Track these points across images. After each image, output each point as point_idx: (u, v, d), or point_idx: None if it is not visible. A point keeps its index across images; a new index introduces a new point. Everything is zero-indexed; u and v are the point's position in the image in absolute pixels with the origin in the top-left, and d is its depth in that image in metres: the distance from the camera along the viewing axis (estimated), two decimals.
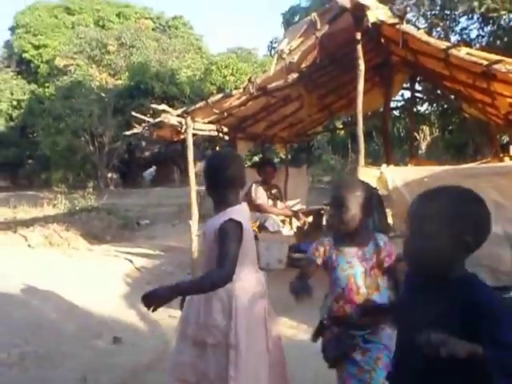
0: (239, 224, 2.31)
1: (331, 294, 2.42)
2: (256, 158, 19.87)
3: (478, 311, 1.43)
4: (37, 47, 26.76)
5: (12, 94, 24.86)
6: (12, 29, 28.15)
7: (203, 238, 2.47)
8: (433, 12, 12.44)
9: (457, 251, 1.55)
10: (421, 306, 1.60)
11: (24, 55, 26.83)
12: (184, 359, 2.40)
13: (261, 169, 7.45)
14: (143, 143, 26.83)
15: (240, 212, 2.41)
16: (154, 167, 27.52)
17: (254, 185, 7.12)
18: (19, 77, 26.80)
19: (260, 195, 7.13)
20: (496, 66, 4.91)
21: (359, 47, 5.56)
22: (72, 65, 24.37)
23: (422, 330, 1.42)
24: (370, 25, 5.41)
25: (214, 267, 2.25)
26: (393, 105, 10.73)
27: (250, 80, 6.20)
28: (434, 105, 13.24)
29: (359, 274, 2.34)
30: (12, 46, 27.81)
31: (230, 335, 2.29)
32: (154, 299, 2.09)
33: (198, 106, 6.48)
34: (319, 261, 2.43)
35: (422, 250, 1.56)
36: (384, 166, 5.68)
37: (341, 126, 15.52)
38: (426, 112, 13.99)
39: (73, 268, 6.96)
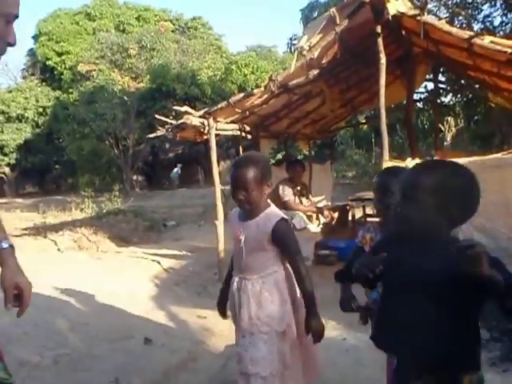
0: (288, 222, 2.52)
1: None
2: (279, 156, 19.86)
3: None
4: (60, 54, 27.16)
5: (37, 101, 25.29)
6: (35, 37, 28.61)
7: (244, 238, 2.47)
8: (454, 1, 12.24)
9: (443, 221, 1.63)
10: (414, 258, 1.67)
11: (47, 62, 27.26)
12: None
13: (290, 167, 7.48)
14: (167, 145, 27.06)
15: (279, 211, 2.55)
16: (179, 165, 27.64)
17: (280, 184, 7.18)
18: (44, 84, 27.25)
19: (287, 193, 7.19)
20: None
21: (380, 41, 5.51)
22: (94, 70, 24.67)
23: (420, 277, 1.60)
24: (390, 17, 5.36)
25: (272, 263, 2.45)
26: (416, 97, 10.59)
27: (270, 78, 6.20)
28: (459, 95, 13.02)
29: None
30: (35, 53, 28.27)
31: (291, 323, 2.45)
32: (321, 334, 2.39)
33: (219, 106, 6.49)
34: (367, 248, 2.52)
35: (409, 214, 1.65)
36: (409, 159, 5.61)
37: (364, 121, 15.38)
38: (451, 103, 13.76)
39: (102, 271, 7.06)
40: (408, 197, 1.65)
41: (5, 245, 1.80)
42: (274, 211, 2.51)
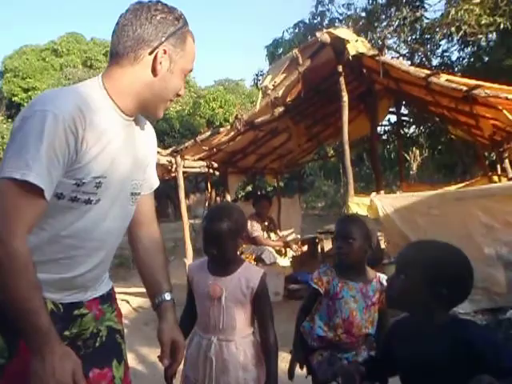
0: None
1: (328, 321, 2.48)
2: (249, 188, 19.98)
3: (473, 350, 1.52)
4: (26, 90, 26.95)
5: (3, 137, 24.94)
6: (0, 73, 28.42)
7: (225, 295, 2.29)
8: (413, 37, 12.71)
9: (432, 300, 1.64)
10: (416, 343, 1.69)
11: (13, 99, 27.00)
12: None
13: (257, 203, 7.54)
14: None
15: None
16: None
17: (249, 219, 7.21)
18: (9, 121, 26.95)
19: (256, 228, 7.23)
20: (475, 92, 5.03)
21: (341, 79, 5.70)
22: None
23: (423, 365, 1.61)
24: (350, 57, 5.55)
25: (244, 322, 2.30)
26: (380, 129, 10.91)
27: (236, 117, 6.32)
28: (421, 127, 13.41)
29: (361, 309, 2.45)
30: (1, 90, 28.02)
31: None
32: None
33: (187, 144, 6.57)
34: (322, 291, 2.49)
35: (400, 290, 1.69)
36: (373, 194, 5.75)
37: (332, 154, 15.65)
38: (414, 134, 14.15)
39: None
40: (398, 269, 1.72)
41: (167, 297, 1.82)
42: (252, 266, 2.44)
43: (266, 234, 7.48)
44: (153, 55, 1.57)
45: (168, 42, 1.57)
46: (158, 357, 1.83)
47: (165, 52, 1.57)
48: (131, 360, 4.98)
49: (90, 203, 1.54)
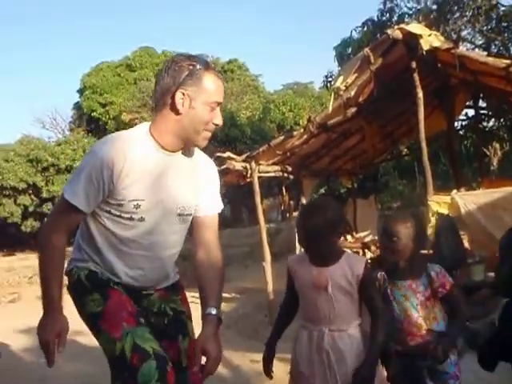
0: None
1: (391, 327, 2.39)
2: (322, 190, 19.86)
3: None
4: (104, 105, 28.16)
5: (85, 151, 26.17)
6: (80, 91, 29.87)
7: (332, 285, 2.23)
8: (489, 26, 12.18)
9: None
10: None
11: (93, 114, 28.28)
12: None
13: None
14: None
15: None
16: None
17: None
18: (90, 135, 28.26)
19: None
20: None
21: (416, 76, 5.57)
22: (137, 118, 25.45)
23: None
24: (424, 52, 5.42)
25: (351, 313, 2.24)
26: (457, 124, 10.53)
27: (309, 119, 6.32)
28: (501, 119, 12.81)
29: (414, 305, 2.37)
30: (81, 106, 29.41)
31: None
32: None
33: (261, 149, 6.64)
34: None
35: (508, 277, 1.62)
36: (454, 191, 5.58)
37: (406, 152, 15.27)
38: (494, 127, 13.54)
39: None
40: (503, 257, 1.69)
41: (213, 311, 2.03)
42: (354, 255, 2.42)
43: (341, 237, 7.41)
44: (172, 98, 1.93)
45: (184, 84, 1.92)
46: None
47: (183, 94, 1.92)
48: None
49: (133, 220, 2.00)
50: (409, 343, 2.36)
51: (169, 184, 2.04)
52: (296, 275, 2.34)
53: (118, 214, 1.99)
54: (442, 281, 2.38)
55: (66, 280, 2.13)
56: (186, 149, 2.08)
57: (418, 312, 2.36)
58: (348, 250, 2.51)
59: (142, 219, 2.01)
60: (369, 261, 6.72)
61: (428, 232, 5.56)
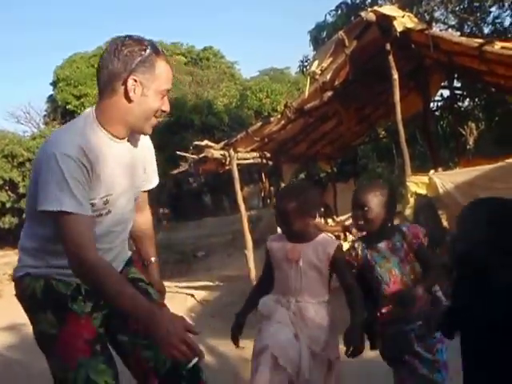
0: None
1: (377, 293, 2.45)
2: (302, 175, 19.91)
3: None
4: (78, 97, 27.76)
5: None
6: (53, 83, 29.39)
7: (302, 259, 2.38)
8: (461, 6, 12.24)
9: None
10: None
11: (67, 107, 27.86)
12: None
13: None
14: (190, 178, 27.28)
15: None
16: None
17: None
18: None
19: None
20: None
21: (390, 57, 5.59)
22: None
23: None
24: (398, 34, 5.43)
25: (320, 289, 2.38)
26: (433, 105, 10.60)
27: (286, 105, 6.31)
28: (476, 99, 12.94)
29: (396, 264, 2.40)
30: (55, 99, 28.97)
31: (334, 350, 2.38)
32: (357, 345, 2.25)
33: (238, 136, 6.62)
34: (356, 264, 2.48)
35: None
36: (432, 171, 5.63)
37: (383, 135, 15.35)
38: (469, 107, 13.67)
39: None
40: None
41: (153, 260, 2.38)
42: (327, 237, 2.51)
43: (322, 221, 7.44)
44: (124, 85, 1.84)
45: (136, 71, 1.84)
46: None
47: (135, 80, 1.84)
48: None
49: (101, 216, 1.94)
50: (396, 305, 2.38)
51: (128, 172, 2.03)
52: (272, 250, 2.49)
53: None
54: (414, 231, 2.44)
55: (13, 286, 2.06)
56: (132, 136, 2.03)
57: (402, 269, 2.39)
58: (328, 234, 2.57)
59: (108, 212, 1.97)
60: (350, 243, 6.67)
61: (407, 212, 5.63)
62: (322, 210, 7.55)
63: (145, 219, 2.37)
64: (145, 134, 2.05)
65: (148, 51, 1.86)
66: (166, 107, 1.96)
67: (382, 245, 2.43)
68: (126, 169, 2.02)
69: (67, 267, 1.85)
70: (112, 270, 1.83)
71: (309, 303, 2.37)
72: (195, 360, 1.70)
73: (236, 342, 2.51)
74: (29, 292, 1.94)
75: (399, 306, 2.32)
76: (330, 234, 6.98)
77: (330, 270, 2.37)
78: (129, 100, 1.86)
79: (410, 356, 2.38)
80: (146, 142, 2.17)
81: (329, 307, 2.41)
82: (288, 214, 2.35)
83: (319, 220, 7.27)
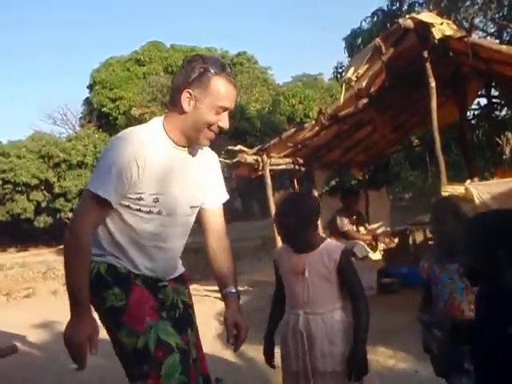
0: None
1: (435, 306, 2.48)
2: (333, 182, 19.79)
3: None
4: (114, 100, 28.20)
5: (95, 147, 26.25)
6: (90, 86, 29.94)
7: (308, 269, 2.40)
8: (501, 14, 12.02)
9: None
10: None
11: (103, 109, 28.34)
12: None
13: (344, 198, 7.49)
14: None
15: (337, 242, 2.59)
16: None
17: (337, 215, 7.18)
18: (100, 130, 28.36)
19: (345, 222, 7.20)
20: None
21: (428, 65, 5.52)
22: (147, 112, 25.49)
23: None
24: (436, 41, 5.36)
25: (330, 297, 2.38)
26: (470, 113, 10.41)
27: (320, 111, 6.29)
28: None
29: (460, 289, 2.39)
30: (91, 102, 29.49)
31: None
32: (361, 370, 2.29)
33: (272, 142, 6.63)
34: (424, 276, 2.54)
35: None
36: (468, 181, 5.53)
37: (417, 143, 15.15)
38: (507, 116, 13.39)
39: None
40: None
41: (232, 290, 2.29)
42: (333, 242, 2.51)
43: (355, 228, 7.40)
44: (179, 97, 2.01)
45: (192, 85, 2.00)
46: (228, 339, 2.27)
47: (190, 94, 2.00)
48: (231, 356, 5.11)
49: (151, 213, 2.08)
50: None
51: (183, 178, 2.14)
52: (280, 263, 2.53)
53: (138, 207, 2.07)
54: None
55: None
56: (195, 147, 2.17)
57: (464, 296, 2.38)
58: (328, 239, 2.56)
59: (159, 212, 2.10)
60: (382, 252, 6.57)
61: None
62: (354, 217, 7.50)
63: (221, 246, 2.35)
64: (200, 146, 2.17)
65: (208, 68, 2.00)
66: (224, 124, 2.08)
67: (453, 266, 2.41)
68: (181, 174, 2.14)
69: (125, 262, 2.12)
70: (85, 257, 1.97)
71: (318, 315, 2.36)
72: (75, 366, 1.95)
73: (271, 363, 2.56)
74: (94, 272, 2.07)
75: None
76: (362, 243, 6.99)
77: (337, 275, 2.36)
78: (182, 111, 2.03)
79: (457, 373, 2.31)
80: (210, 158, 2.32)
81: (344, 313, 2.37)
82: (290, 229, 2.36)
83: (351, 227, 7.22)
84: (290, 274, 2.44)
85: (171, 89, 2.10)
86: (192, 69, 2.01)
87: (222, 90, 2.02)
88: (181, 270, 2.41)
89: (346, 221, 7.22)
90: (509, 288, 1.59)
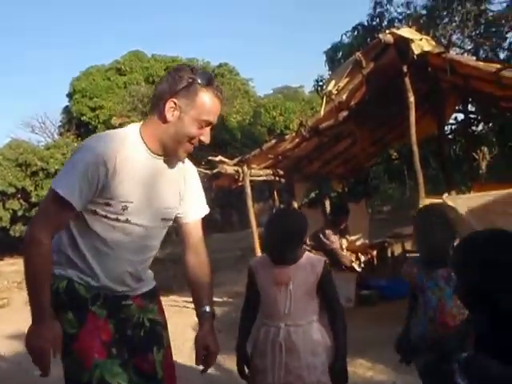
0: None
1: (424, 316, 2.42)
2: (312, 194, 19.87)
3: None
4: (93, 109, 28.01)
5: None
6: (69, 95, 29.70)
7: (292, 282, 2.40)
8: (478, 31, 12.28)
9: None
10: None
11: (82, 118, 28.12)
12: None
13: (335, 215, 7.48)
14: None
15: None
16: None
17: (326, 229, 7.14)
18: (79, 139, 28.06)
19: (333, 240, 7.12)
20: None
21: (407, 80, 5.61)
22: (127, 122, 25.31)
23: None
24: (415, 57, 5.45)
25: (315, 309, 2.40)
26: (447, 128, 10.58)
27: (301, 123, 6.34)
28: (490, 124, 12.91)
29: (449, 295, 2.34)
30: (70, 110, 29.25)
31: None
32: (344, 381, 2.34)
33: (252, 153, 6.65)
34: (412, 282, 2.49)
35: None
36: (445, 194, 5.60)
37: (395, 156, 15.33)
38: (483, 132, 13.63)
39: None
40: None
41: (207, 309, 2.17)
42: (314, 256, 2.56)
43: (342, 240, 7.37)
44: (164, 105, 1.93)
45: (178, 94, 1.92)
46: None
47: (174, 103, 1.92)
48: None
49: (119, 221, 1.98)
50: (440, 332, 2.32)
51: (156, 188, 2.06)
52: (259, 275, 2.49)
53: (104, 214, 1.97)
54: None
55: None
56: (174, 158, 2.08)
57: (453, 302, 2.32)
58: (307, 252, 2.60)
59: (127, 221, 2.01)
60: (362, 265, 6.60)
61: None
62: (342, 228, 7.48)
63: (198, 262, 2.24)
64: (178, 158, 2.08)
65: (197, 80, 1.94)
66: (205, 138, 2.02)
67: (439, 273, 2.38)
68: (154, 184, 2.05)
69: (86, 272, 2.01)
70: (49, 261, 1.90)
71: (299, 327, 2.36)
72: (39, 373, 1.88)
73: (244, 376, 2.50)
74: (53, 289, 1.96)
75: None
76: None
77: (316, 287, 2.38)
78: (164, 120, 1.95)
79: None
80: (189, 170, 2.23)
81: (320, 324, 2.40)
82: (281, 244, 2.37)
83: (337, 239, 7.19)
84: (272, 286, 2.41)
85: (154, 95, 2.03)
86: (180, 78, 1.93)
87: (208, 103, 1.96)
88: (150, 284, 2.24)
89: (333, 238, 7.12)
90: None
